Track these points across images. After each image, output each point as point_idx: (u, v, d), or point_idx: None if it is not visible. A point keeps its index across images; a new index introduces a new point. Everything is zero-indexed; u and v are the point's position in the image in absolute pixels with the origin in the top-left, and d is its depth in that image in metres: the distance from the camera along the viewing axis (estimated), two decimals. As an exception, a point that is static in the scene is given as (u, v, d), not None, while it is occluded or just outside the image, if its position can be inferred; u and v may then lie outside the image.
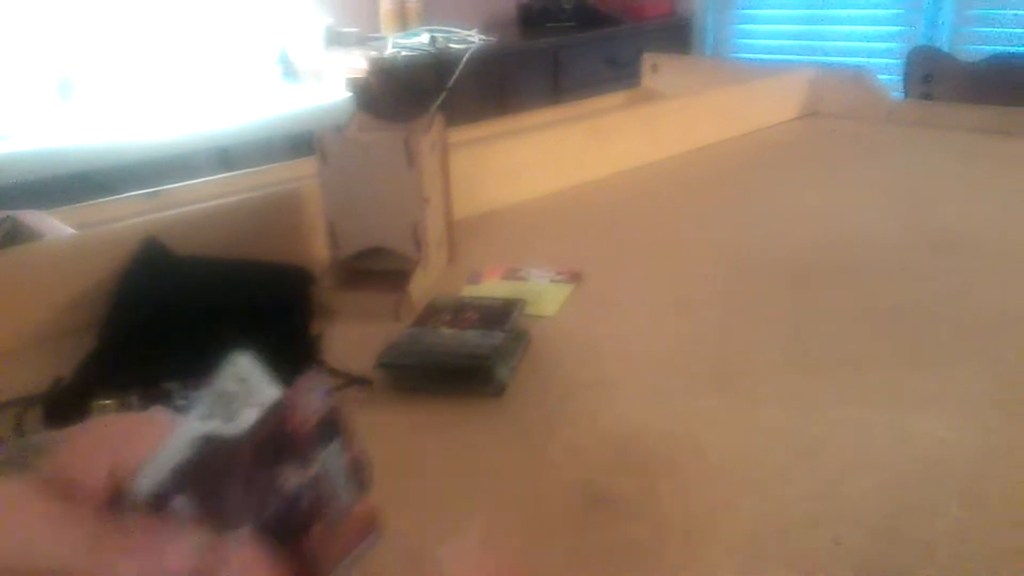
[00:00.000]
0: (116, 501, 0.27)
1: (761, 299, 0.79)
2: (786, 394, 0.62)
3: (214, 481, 0.27)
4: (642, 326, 0.75)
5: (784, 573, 0.45)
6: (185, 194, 1.10)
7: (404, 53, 2.84)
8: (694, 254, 0.91)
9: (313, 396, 0.30)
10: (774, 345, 0.70)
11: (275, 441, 0.28)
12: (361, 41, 3.00)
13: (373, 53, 2.80)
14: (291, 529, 0.28)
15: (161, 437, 0.28)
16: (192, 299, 0.73)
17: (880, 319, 0.74)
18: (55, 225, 0.90)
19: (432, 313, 0.70)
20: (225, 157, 2.25)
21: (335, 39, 3.01)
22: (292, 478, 0.28)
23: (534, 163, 1.14)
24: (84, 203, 1.05)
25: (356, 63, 2.68)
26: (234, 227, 0.87)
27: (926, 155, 1.23)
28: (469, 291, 0.82)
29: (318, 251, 0.87)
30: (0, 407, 0.61)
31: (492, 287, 0.82)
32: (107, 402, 0.58)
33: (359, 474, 0.31)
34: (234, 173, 1.24)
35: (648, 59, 1.71)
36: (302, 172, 0.98)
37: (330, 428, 0.30)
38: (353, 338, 0.73)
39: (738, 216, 1.03)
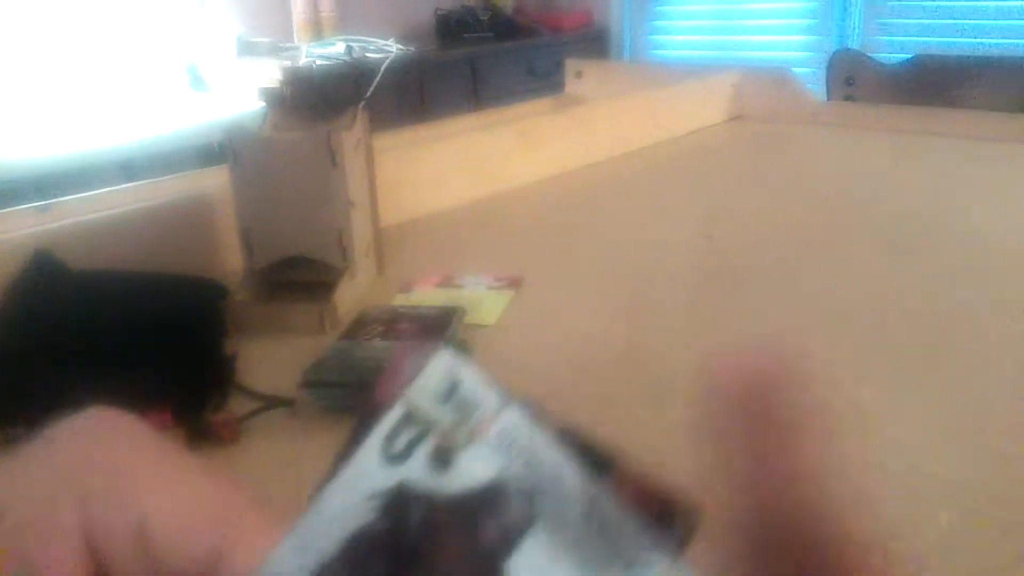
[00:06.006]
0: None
1: (704, 302, 0.76)
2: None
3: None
4: (587, 333, 0.70)
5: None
6: (81, 207, 1.00)
7: (319, 62, 2.75)
8: (632, 260, 0.87)
9: None
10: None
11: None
12: (274, 50, 2.90)
13: (287, 62, 2.70)
14: None
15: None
16: (89, 319, 0.65)
17: (831, 319, 0.71)
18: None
19: (362, 325, 0.64)
20: (128, 171, 2.11)
21: (247, 48, 2.90)
22: None
23: (461, 168, 1.08)
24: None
25: (269, 72, 2.59)
26: (135, 239, 0.79)
27: (853, 156, 1.22)
28: (402, 301, 0.75)
29: (231, 263, 0.79)
30: None
31: (426, 296, 0.76)
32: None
33: None
34: (135, 183, 1.14)
35: (572, 65, 1.67)
36: (213, 181, 0.90)
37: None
38: (273, 356, 0.66)
39: (673, 220, 1.00)
